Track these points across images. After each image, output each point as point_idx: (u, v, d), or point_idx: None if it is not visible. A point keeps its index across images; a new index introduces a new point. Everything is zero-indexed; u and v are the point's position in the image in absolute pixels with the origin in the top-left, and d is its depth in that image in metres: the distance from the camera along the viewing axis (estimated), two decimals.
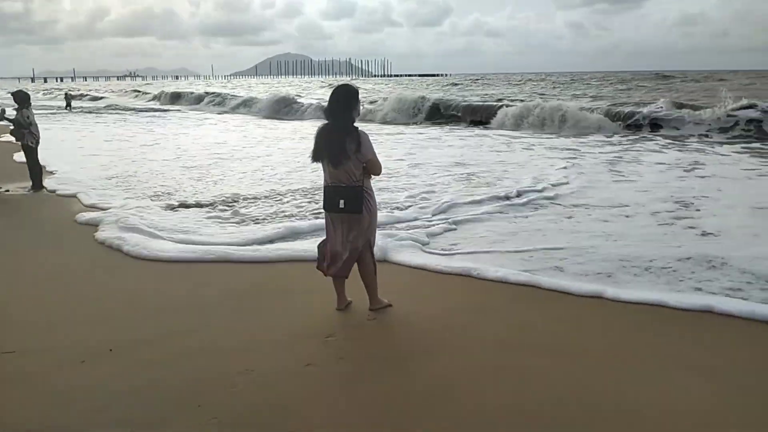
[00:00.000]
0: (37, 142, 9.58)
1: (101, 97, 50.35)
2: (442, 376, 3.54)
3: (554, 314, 4.53)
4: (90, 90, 48.85)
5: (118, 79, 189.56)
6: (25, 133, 9.40)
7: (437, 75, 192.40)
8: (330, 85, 62.33)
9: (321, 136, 4.21)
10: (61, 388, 3.41)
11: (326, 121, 4.24)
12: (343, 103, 4.17)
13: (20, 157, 10.84)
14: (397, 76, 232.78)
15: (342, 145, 4.09)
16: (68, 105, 33.84)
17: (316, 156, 4.23)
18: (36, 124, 9.64)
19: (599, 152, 14.23)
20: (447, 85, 61.86)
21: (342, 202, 4.14)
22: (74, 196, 9.07)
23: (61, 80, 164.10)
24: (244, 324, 4.38)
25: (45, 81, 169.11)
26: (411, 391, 3.35)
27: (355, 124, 4.20)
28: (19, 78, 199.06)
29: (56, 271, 5.67)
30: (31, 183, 9.54)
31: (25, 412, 3.18)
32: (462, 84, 62.40)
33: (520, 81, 69.62)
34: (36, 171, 9.55)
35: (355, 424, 3.05)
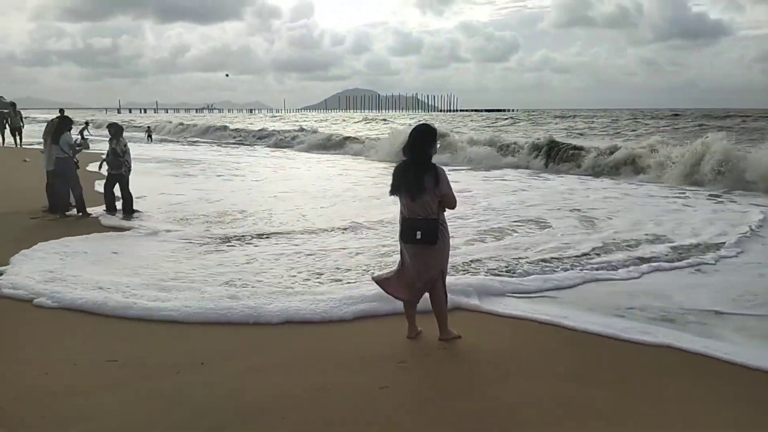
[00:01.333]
0: (129, 171, 10.29)
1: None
2: (508, 403, 3.69)
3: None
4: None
5: (197, 111, 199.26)
6: (121, 161, 10.12)
7: (502, 110, 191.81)
8: (395, 120, 63.86)
9: (400, 172, 4.53)
10: (158, 395, 3.76)
11: (404, 158, 4.54)
12: (422, 141, 4.47)
13: (100, 185, 11.37)
14: (462, 111, 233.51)
15: (420, 180, 4.38)
16: (149, 137, 36.98)
17: (395, 190, 4.54)
18: (130, 153, 10.38)
19: None
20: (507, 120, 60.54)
21: (419, 233, 4.41)
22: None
23: (144, 111, 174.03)
24: (319, 347, 4.67)
25: (130, 112, 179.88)
26: (480, 415, 3.51)
27: (433, 161, 4.50)
28: (106, 109, 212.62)
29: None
30: (122, 209, 10.21)
31: (126, 415, 3.53)
32: (529, 120, 61.50)
33: (591, 117, 68.06)
34: (128, 198, 10.24)
35: None
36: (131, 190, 10.23)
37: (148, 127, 41.49)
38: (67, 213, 9.95)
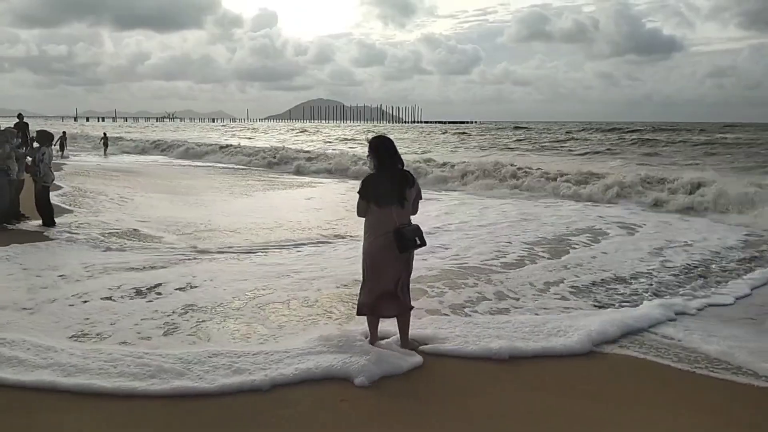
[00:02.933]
0: (49, 180, 9.83)
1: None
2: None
3: None
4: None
5: (157, 121, 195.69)
6: (35, 169, 9.61)
7: (466, 122, 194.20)
8: (366, 131, 64.48)
9: (383, 183, 4.50)
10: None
11: (375, 170, 4.54)
12: (395, 152, 4.58)
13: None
14: (426, 122, 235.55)
15: (404, 189, 4.50)
16: (104, 144, 32.84)
17: (385, 201, 4.46)
18: (48, 162, 9.76)
19: None
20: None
21: (417, 239, 4.50)
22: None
23: (102, 120, 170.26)
24: None
25: (87, 120, 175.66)
26: None
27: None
28: (62, 117, 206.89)
29: None
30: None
31: None
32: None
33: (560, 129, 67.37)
34: (48, 208, 9.84)
35: None
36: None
37: (104, 134, 35.27)
38: (8, 224, 9.60)
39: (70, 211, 11.44)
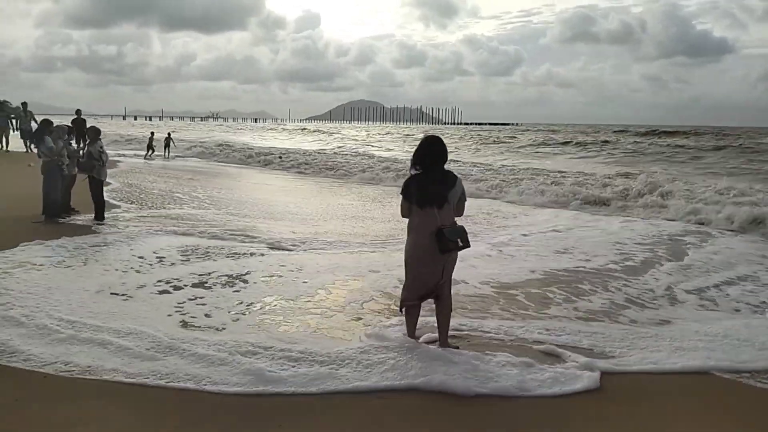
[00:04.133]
0: (104, 176, 10.14)
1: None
2: None
3: None
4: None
5: (201, 120, 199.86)
6: (94, 164, 9.92)
7: (508, 124, 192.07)
8: (406, 134, 64.13)
9: (426, 184, 4.54)
10: None
11: (419, 171, 4.56)
12: (441, 153, 4.58)
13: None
14: (467, 124, 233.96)
15: (445, 189, 4.52)
16: (166, 147, 28.22)
17: (426, 202, 4.52)
18: (107, 156, 10.24)
19: None
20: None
21: (459, 240, 4.51)
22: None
23: (150, 119, 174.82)
24: None
25: (135, 119, 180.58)
26: None
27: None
28: (111, 116, 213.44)
29: None
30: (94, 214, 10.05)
31: None
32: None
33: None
34: (100, 203, 10.10)
35: None
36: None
37: (168, 134, 29.83)
38: (59, 218, 9.85)
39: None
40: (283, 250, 8.36)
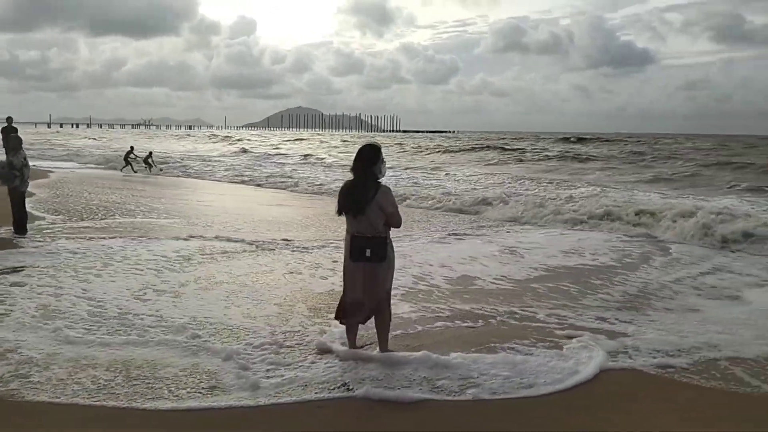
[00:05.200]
0: (26, 186, 9.66)
1: None
2: None
3: None
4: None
5: (133, 128, 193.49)
6: (15, 175, 9.37)
7: (446, 132, 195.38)
8: (342, 140, 64.85)
9: (345, 190, 4.57)
10: None
11: (351, 177, 4.57)
12: (366, 160, 4.51)
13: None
14: (405, 131, 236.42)
15: (365, 198, 4.41)
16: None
17: (341, 209, 4.55)
18: (29, 168, 9.72)
19: None
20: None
21: (368, 251, 4.42)
22: None
23: (77, 126, 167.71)
24: None
25: (61, 126, 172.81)
26: None
27: (380, 180, 4.53)
28: (35, 123, 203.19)
29: None
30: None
31: None
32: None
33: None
34: (22, 216, 9.59)
35: None
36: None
37: (150, 153, 26.91)
38: None
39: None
40: None
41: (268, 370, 4.45)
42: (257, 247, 9.22)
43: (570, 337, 5.33)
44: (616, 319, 6.02)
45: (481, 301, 6.56)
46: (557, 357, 4.83)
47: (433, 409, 3.96)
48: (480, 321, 5.86)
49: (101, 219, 11.62)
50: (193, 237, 9.88)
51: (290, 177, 23.19)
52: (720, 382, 4.52)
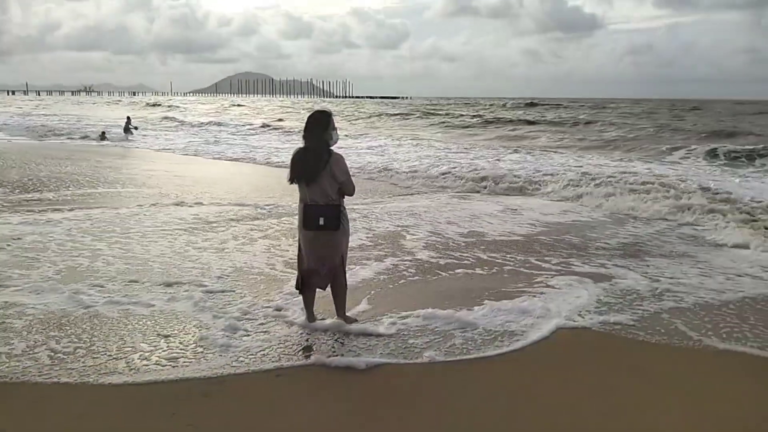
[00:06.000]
0: None
1: None
2: None
3: None
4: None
5: (72, 94, 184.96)
6: None
7: (398, 98, 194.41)
8: (293, 104, 63.74)
9: (297, 158, 4.50)
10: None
11: (303, 145, 4.50)
12: (317, 127, 4.45)
13: None
14: (358, 97, 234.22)
15: (317, 165, 4.35)
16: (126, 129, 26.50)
17: (293, 177, 4.50)
18: None
19: None
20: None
21: (322, 219, 4.39)
22: None
23: (13, 93, 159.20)
24: None
25: None
26: None
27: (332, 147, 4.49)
28: None
29: None
30: None
31: None
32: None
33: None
34: None
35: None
36: None
37: (128, 117, 28.00)
38: None
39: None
40: None
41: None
42: (269, 211, 9.56)
43: None
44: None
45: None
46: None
47: (389, 373, 4.06)
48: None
49: (77, 190, 11.20)
50: (199, 203, 10.13)
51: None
52: None
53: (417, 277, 6.27)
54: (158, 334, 4.59)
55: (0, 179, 12.31)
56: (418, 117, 45.82)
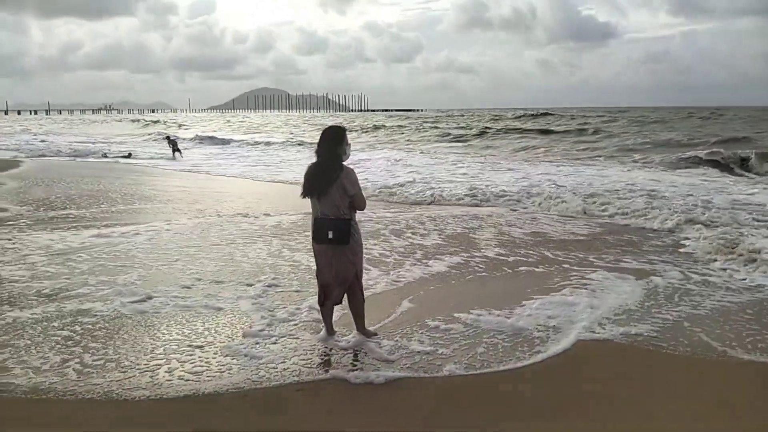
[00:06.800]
0: None
1: None
2: None
3: None
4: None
5: (93, 113, 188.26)
6: None
7: (413, 110, 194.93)
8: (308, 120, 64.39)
9: (309, 173, 4.56)
10: None
11: (316, 159, 4.55)
12: (330, 142, 4.52)
13: None
14: (374, 111, 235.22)
15: (329, 180, 4.40)
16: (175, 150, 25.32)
17: (306, 191, 4.53)
18: None
19: None
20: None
21: (330, 233, 4.40)
22: None
23: (35, 113, 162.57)
24: None
25: (18, 113, 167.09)
26: None
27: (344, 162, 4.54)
28: None
29: None
30: None
31: None
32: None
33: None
34: None
35: None
36: None
37: (167, 137, 28.20)
38: None
39: None
40: None
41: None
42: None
43: None
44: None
45: None
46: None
47: (408, 387, 4.06)
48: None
49: (126, 205, 11.39)
50: (251, 216, 10.46)
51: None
52: None
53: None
54: (189, 345, 4.70)
55: (47, 195, 12.58)
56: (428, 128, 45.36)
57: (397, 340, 4.81)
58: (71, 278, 6.50)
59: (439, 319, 5.27)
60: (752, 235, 8.39)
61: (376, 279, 6.54)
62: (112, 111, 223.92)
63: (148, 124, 62.24)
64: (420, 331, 5.00)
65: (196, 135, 38.81)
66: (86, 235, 8.77)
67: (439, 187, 14.13)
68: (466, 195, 13.07)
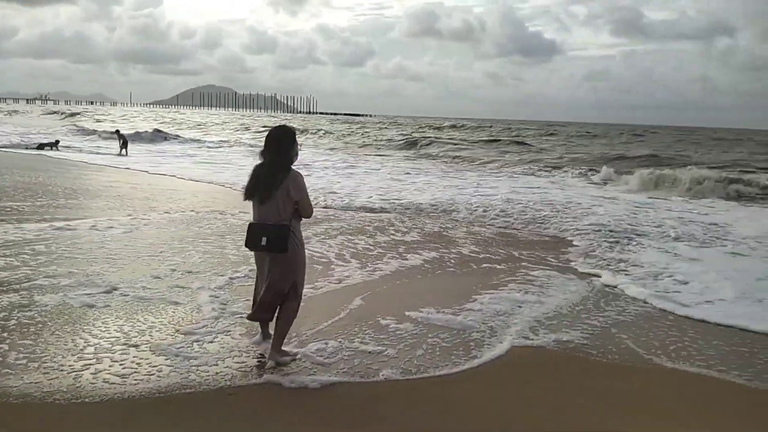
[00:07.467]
0: None
1: None
2: None
3: None
4: None
5: (27, 102, 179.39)
6: None
7: (362, 115, 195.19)
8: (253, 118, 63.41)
9: (254, 174, 4.25)
10: None
11: (261, 160, 4.28)
12: (277, 143, 4.23)
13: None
14: (322, 113, 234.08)
15: (274, 183, 4.12)
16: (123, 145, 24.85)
17: (248, 194, 4.25)
18: None
19: None
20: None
21: (264, 239, 4.10)
22: None
23: None
24: None
25: None
26: None
27: (292, 165, 4.24)
28: None
29: None
30: None
31: None
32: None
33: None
34: None
35: None
36: None
37: (117, 131, 27.08)
38: None
39: None
40: None
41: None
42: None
43: None
44: None
45: None
46: None
47: (343, 392, 4.01)
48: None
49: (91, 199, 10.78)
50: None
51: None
52: None
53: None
54: (125, 344, 4.51)
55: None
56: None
57: (340, 341, 4.77)
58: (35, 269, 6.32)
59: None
60: None
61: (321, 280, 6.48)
62: (48, 101, 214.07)
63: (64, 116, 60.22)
64: (367, 331, 5.03)
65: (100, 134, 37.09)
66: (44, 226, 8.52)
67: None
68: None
